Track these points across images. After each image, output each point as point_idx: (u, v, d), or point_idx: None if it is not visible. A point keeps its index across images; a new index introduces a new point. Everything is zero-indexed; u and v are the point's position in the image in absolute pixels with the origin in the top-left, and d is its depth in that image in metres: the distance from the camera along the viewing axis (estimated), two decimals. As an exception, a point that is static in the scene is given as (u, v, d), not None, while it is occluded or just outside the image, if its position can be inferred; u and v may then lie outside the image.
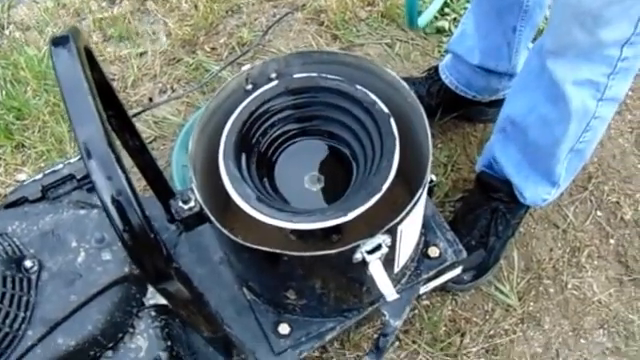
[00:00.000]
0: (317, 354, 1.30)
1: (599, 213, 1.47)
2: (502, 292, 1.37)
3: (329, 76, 0.97)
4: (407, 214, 0.89)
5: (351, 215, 0.87)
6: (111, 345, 0.93)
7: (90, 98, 0.64)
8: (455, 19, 1.75)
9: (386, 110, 0.94)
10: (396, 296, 0.91)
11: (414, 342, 1.32)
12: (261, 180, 0.96)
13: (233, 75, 1.06)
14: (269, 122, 0.97)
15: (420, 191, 0.89)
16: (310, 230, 0.90)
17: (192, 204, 0.93)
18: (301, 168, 0.99)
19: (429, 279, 1.13)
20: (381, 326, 1.15)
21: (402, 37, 1.75)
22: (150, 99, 1.67)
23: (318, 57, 1.02)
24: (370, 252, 0.88)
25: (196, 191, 0.91)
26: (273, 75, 1.03)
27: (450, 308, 1.36)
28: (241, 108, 0.96)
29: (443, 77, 1.53)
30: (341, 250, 0.86)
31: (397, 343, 1.33)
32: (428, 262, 1.12)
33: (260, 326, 1.09)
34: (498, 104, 1.49)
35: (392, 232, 0.89)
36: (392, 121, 0.93)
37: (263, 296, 1.09)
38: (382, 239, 0.88)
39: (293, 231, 1.04)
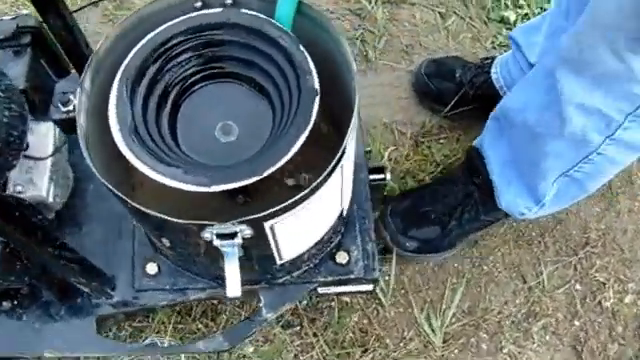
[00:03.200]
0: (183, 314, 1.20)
1: (578, 286, 1.26)
2: (430, 324, 1.21)
3: (249, 12, 0.81)
4: (281, 212, 0.74)
5: (239, 184, 0.73)
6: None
7: None
8: (526, 15, 1.51)
9: (312, 69, 0.78)
10: (236, 294, 0.78)
11: (314, 335, 1.20)
12: (159, 126, 0.82)
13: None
14: (175, 61, 0.82)
15: (308, 190, 0.74)
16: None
17: (70, 108, 0.82)
18: (212, 116, 0.85)
19: (327, 284, 0.99)
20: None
21: (461, 12, 1.53)
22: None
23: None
24: (222, 237, 0.75)
25: (83, 112, 0.79)
26: (229, 1, 0.88)
27: (368, 317, 1.22)
28: (143, 43, 0.81)
29: (492, 71, 1.34)
30: (188, 223, 0.73)
31: (298, 327, 1.21)
32: (332, 266, 0.98)
33: (133, 256, 1.00)
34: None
35: (255, 226, 0.75)
36: (314, 76, 0.77)
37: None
38: (238, 229, 0.74)
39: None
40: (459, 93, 1.35)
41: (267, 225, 0.76)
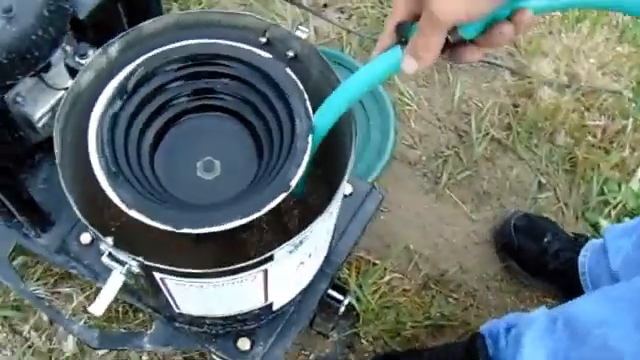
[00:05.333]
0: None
1: None
2: None
3: (246, 47, 0.77)
4: (168, 272, 0.70)
5: (219, 227, 0.67)
6: None
7: None
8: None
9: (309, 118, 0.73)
10: (97, 313, 0.74)
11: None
12: (139, 152, 0.77)
13: None
14: (162, 92, 0.77)
15: (201, 271, 0.69)
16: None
17: (83, 62, 0.81)
18: (197, 150, 0.80)
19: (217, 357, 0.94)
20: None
21: (561, 191, 1.41)
22: None
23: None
24: (112, 257, 0.72)
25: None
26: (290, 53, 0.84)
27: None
28: (140, 61, 0.76)
29: (582, 253, 1.24)
30: (91, 229, 0.71)
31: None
32: (229, 345, 0.92)
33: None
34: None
35: (144, 269, 0.71)
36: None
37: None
38: (130, 260, 0.71)
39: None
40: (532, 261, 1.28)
41: (157, 275, 0.72)
